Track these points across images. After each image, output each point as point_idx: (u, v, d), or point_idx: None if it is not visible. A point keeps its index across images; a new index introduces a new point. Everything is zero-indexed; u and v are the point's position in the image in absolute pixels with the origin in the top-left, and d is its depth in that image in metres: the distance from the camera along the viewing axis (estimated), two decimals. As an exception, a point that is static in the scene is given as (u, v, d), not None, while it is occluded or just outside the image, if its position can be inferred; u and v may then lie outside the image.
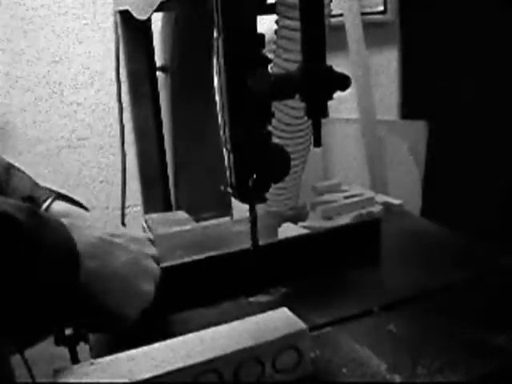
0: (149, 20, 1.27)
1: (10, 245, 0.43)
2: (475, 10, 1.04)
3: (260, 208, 0.62)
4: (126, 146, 1.47)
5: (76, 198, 0.78)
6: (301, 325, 0.49)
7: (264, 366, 0.48)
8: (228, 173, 0.60)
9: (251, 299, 0.62)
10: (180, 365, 0.45)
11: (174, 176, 1.45)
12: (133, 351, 0.48)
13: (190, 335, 0.50)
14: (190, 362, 0.46)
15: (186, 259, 0.63)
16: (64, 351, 0.59)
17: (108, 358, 0.47)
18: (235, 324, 0.51)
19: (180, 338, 0.50)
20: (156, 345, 0.49)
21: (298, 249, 0.66)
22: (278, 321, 0.50)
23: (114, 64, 1.41)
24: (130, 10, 1.18)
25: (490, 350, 0.50)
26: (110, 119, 1.92)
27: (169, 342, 0.49)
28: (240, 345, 0.47)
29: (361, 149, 1.21)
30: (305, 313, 0.58)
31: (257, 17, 0.55)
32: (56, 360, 0.59)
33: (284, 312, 0.52)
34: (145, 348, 0.49)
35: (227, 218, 1.18)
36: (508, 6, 0.99)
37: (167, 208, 1.44)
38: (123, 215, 1.56)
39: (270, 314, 0.52)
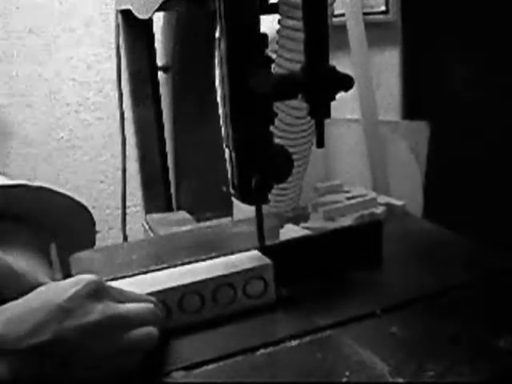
0: (150, 19, 1.27)
1: None
2: (478, 10, 1.03)
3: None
4: (126, 145, 1.47)
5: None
6: (267, 260, 0.60)
7: (236, 290, 0.58)
8: (230, 173, 0.60)
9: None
10: (168, 285, 0.55)
11: (175, 176, 1.45)
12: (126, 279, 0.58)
13: (177, 268, 0.60)
14: (177, 283, 0.56)
15: (187, 260, 0.63)
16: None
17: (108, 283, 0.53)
18: (215, 260, 0.61)
19: (166, 271, 0.59)
20: (148, 274, 0.59)
21: (300, 250, 0.65)
22: (249, 257, 0.61)
23: (115, 63, 1.41)
24: (131, 9, 1.18)
25: (495, 352, 0.50)
26: (111, 119, 1.92)
27: (159, 273, 0.59)
28: (217, 273, 0.57)
29: (363, 149, 1.21)
30: (306, 315, 0.58)
31: (259, 17, 0.54)
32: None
33: (254, 252, 0.62)
34: (140, 276, 0.59)
35: (228, 219, 1.18)
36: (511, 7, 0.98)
37: (168, 208, 1.44)
38: (123, 215, 1.56)
39: (243, 253, 0.62)
